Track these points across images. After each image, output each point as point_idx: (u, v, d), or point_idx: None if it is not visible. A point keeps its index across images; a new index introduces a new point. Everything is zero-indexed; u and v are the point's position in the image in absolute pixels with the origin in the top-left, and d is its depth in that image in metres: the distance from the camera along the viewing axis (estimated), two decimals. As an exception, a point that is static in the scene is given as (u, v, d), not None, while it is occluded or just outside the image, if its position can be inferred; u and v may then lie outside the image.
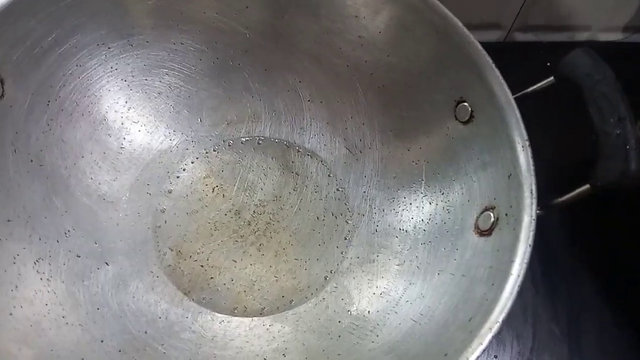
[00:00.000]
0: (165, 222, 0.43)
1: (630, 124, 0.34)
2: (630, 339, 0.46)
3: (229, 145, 0.47)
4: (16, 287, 0.33)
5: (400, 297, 0.39)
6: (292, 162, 0.47)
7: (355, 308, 0.40)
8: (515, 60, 0.63)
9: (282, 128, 0.48)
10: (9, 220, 0.35)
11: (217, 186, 0.45)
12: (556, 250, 0.49)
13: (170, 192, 0.44)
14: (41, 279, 0.35)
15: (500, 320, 0.31)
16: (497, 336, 0.32)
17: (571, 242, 0.49)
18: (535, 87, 0.40)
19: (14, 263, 0.34)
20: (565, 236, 0.49)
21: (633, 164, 0.33)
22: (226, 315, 0.39)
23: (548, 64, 0.63)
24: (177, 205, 0.44)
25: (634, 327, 0.46)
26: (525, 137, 0.36)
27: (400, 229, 0.43)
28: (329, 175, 0.46)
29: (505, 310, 0.31)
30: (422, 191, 0.43)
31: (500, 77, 0.38)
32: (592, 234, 0.50)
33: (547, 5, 0.60)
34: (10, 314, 0.31)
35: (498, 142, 0.38)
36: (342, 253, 0.43)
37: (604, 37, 0.65)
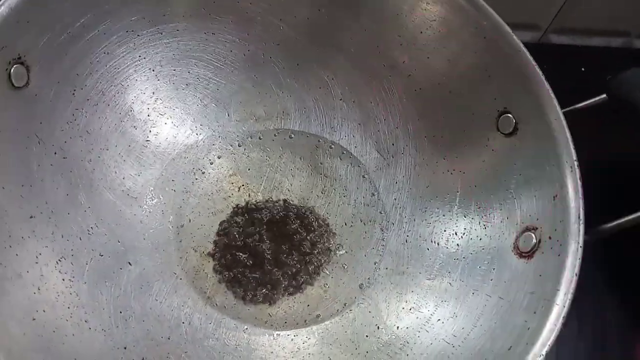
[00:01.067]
0: (190, 220, 0.41)
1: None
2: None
3: (257, 143, 0.45)
4: (38, 289, 0.31)
5: (432, 315, 0.37)
6: (321, 163, 0.45)
7: (383, 322, 0.38)
8: (549, 62, 0.61)
9: (312, 127, 0.46)
10: (31, 217, 0.33)
11: (242, 185, 0.43)
12: (586, 275, 0.47)
13: (195, 190, 0.42)
14: (63, 279, 0.33)
15: (543, 353, 0.30)
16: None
17: (601, 267, 0.47)
18: (585, 103, 0.38)
19: (36, 263, 0.32)
20: (595, 261, 0.47)
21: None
22: (250, 323, 0.38)
23: (582, 69, 0.62)
24: (202, 203, 0.42)
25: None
26: (574, 157, 0.35)
27: (432, 240, 0.41)
28: (358, 179, 0.45)
29: (549, 343, 0.30)
30: (457, 203, 0.41)
31: (550, 90, 0.37)
32: (624, 261, 0.48)
33: (586, 8, 0.59)
34: (34, 319, 0.30)
35: (544, 158, 0.36)
36: (369, 263, 0.42)
37: (641, 44, 0.63)
